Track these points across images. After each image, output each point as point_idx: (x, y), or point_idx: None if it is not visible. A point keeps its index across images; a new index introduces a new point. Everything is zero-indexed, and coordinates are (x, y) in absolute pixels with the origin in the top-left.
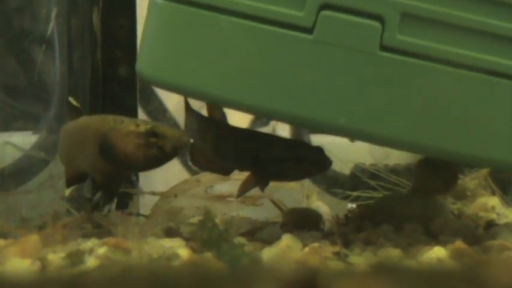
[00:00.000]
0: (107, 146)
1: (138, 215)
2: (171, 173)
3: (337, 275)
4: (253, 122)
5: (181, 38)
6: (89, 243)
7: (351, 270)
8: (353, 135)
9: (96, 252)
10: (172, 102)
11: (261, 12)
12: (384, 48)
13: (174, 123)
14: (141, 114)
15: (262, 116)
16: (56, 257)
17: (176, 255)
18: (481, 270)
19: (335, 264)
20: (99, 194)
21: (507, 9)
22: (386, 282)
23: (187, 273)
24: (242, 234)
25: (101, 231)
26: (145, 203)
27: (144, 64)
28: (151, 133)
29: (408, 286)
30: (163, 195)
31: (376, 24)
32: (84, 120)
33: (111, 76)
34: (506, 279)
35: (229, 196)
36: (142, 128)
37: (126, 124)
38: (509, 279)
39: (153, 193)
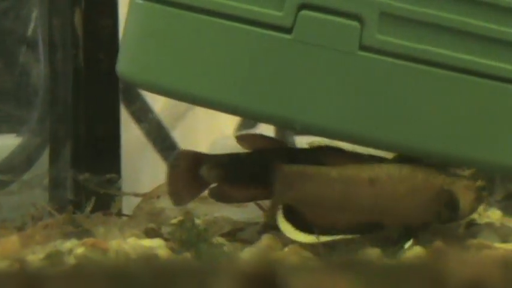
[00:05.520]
0: (451, 200)
1: (120, 215)
2: (157, 174)
3: (296, 269)
4: (241, 125)
5: (161, 38)
6: (69, 244)
7: (310, 265)
8: (334, 135)
9: (74, 253)
10: (159, 103)
11: (240, 12)
12: (363, 47)
13: (158, 125)
14: (124, 115)
15: (243, 116)
16: (35, 258)
17: (155, 256)
18: (441, 266)
19: (294, 259)
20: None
21: (486, 8)
22: (344, 277)
23: (141, 267)
24: (223, 235)
25: (81, 231)
26: (130, 204)
27: (124, 65)
28: (482, 187)
29: (367, 281)
30: (146, 196)
31: (355, 24)
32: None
33: (94, 77)
34: (466, 275)
35: None
36: (474, 183)
37: (456, 177)
38: (468, 275)
39: (136, 194)
